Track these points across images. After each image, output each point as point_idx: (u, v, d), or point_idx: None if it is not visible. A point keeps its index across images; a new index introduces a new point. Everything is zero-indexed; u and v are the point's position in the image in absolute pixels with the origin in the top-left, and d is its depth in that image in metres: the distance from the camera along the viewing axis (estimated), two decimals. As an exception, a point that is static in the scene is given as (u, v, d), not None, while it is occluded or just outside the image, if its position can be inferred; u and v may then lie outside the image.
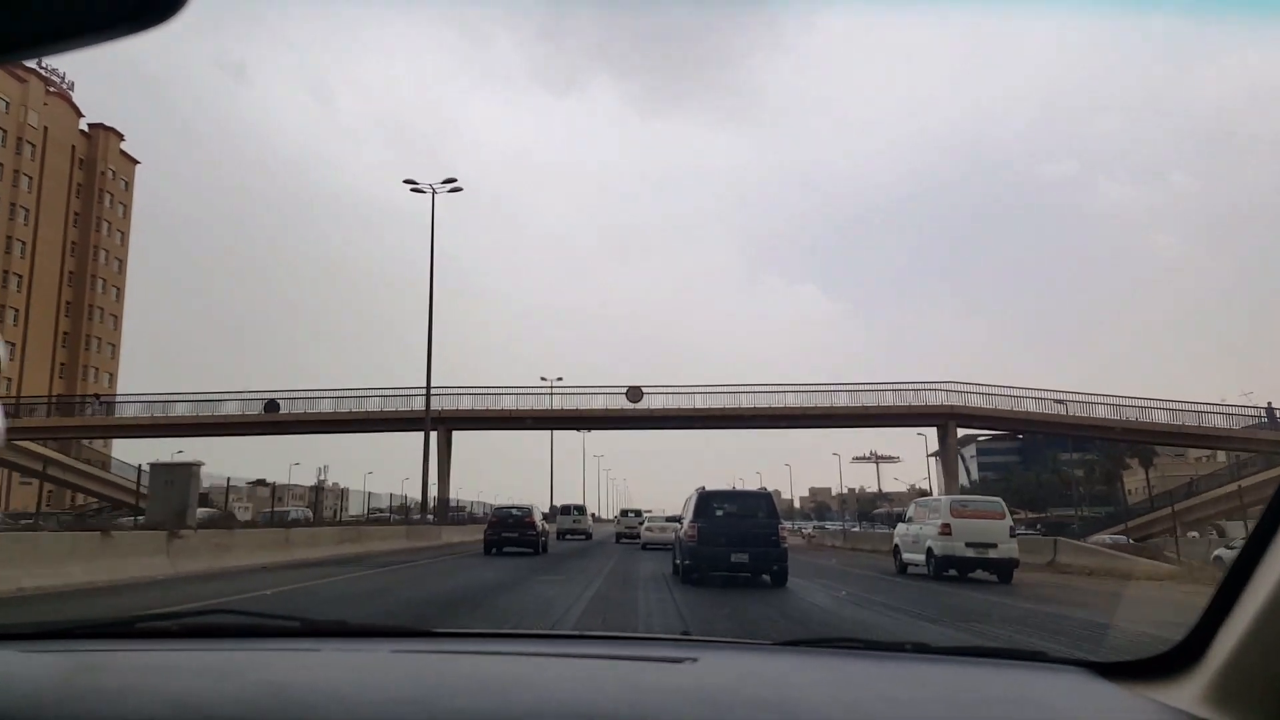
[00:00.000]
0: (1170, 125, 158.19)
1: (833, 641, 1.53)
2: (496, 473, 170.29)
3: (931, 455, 62.63)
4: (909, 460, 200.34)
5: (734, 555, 14.33)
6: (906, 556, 19.07)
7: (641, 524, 34.39)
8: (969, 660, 1.40)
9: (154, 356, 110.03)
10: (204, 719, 0.92)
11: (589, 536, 37.94)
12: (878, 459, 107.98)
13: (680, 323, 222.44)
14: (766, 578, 14.65)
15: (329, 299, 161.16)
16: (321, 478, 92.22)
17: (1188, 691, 1.01)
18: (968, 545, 17.25)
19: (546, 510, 37.35)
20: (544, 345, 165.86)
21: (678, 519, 17.75)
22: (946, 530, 17.43)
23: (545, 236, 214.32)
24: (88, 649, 1.40)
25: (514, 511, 25.80)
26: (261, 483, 40.01)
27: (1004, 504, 18.94)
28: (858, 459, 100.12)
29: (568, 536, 36.49)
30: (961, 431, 50.05)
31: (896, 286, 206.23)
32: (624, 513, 43.66)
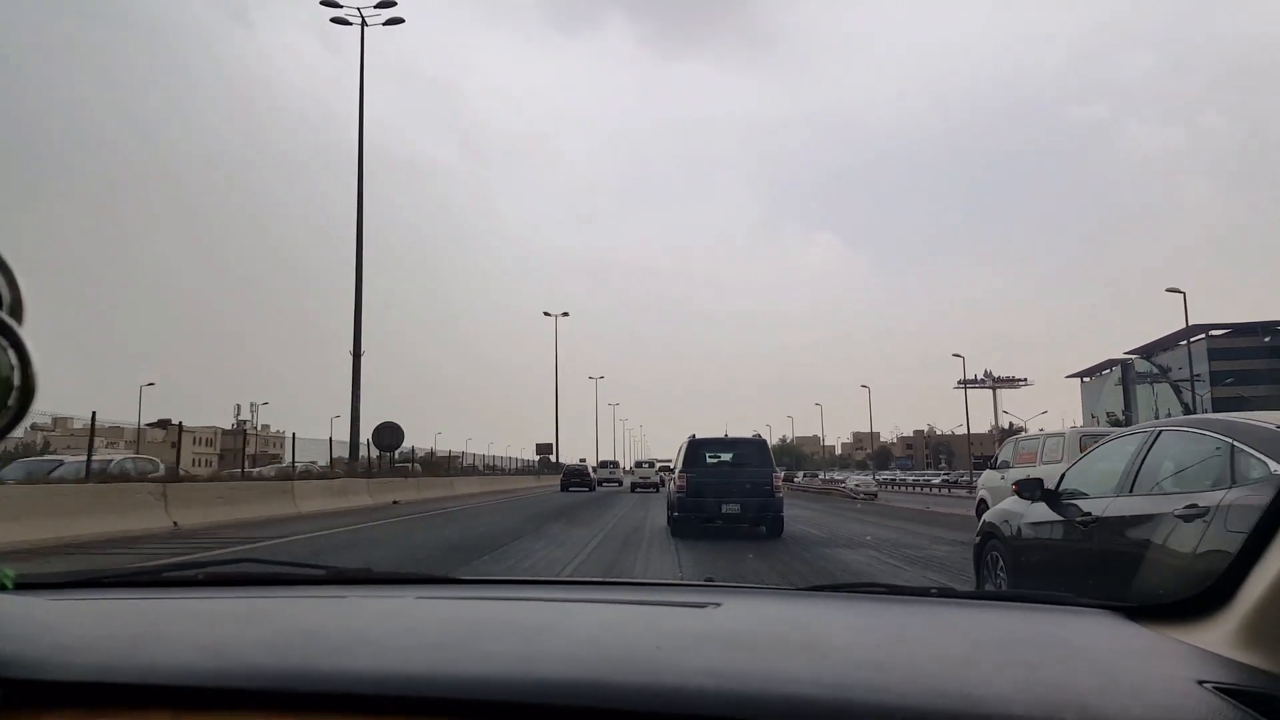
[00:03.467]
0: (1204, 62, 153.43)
1: (858, 586, 1.52)
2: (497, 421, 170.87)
3: (1080, 376, 48.25)
4: (1043, 385, 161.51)
5: (725, 505, 13.84)
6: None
7: (652, 472, 43.58)
8: (996, 605, 1.46)
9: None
10: (235, 663, 0.90)
11: (621, 483, 50.73)
12: (995, 382, 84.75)
13: (694, 271, 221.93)
14: (762, 528, 14.13)
15: (345, 250, 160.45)
16: (242, 417, 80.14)
17: (1216, 633, 1.02)
18: None
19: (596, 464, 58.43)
20: (553, 288, 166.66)
21: (649, 464, 16.96)
22: None
23: (558, 181, 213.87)
24: (115, 597, 1.40)
25: (578, 465, 48.55)
26: (164, 423, 31.15)
27: None
28: (966, 384, 76.38)
29: (604, 484, 49.44)
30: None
31: (919, 234, 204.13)
32: (638, 464, 53.37)
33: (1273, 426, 4.02)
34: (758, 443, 15.61)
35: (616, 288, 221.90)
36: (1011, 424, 72.24)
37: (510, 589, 1.69)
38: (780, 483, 14.83)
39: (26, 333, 0.54)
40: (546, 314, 68.09)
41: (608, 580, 1.86)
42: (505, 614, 1.31)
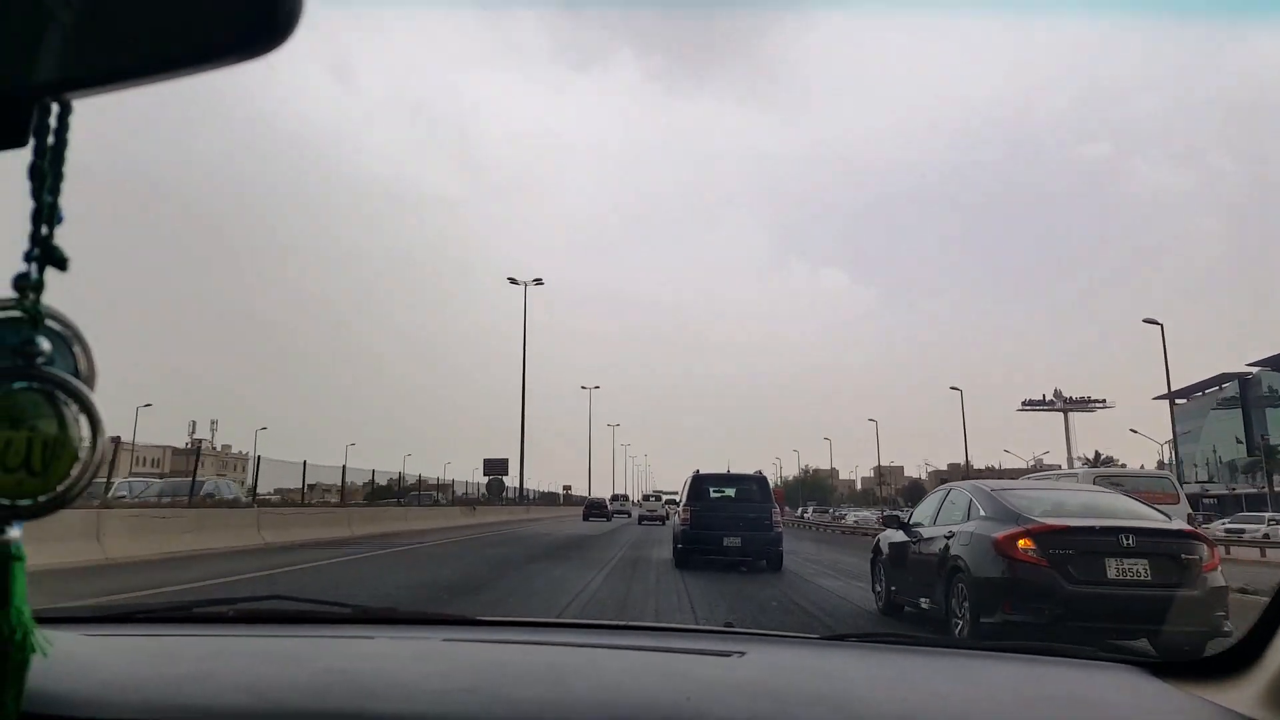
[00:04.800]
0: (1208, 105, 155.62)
1: (882, 636, 1.53)
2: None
3: (1171, 397, 36.83)
4: (1127, 406, 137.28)
5: (727, 539, 14.29)
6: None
7: (660, 505, 47.90)
8: (1021, 658, 1.38)
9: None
10: (274, 704, 0.93)
11: (630, 515, 56.21)
12: (1066, 404, 70.12)
13: (704, 305, 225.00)
14: (764, 562, 14.43)
15: (352, 282, 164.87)
16: (197, 436, 73.15)
17: (1245, 693, 0.99)
18: None
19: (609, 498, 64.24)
20: (567, 325, 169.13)
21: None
22: None
23: (568, 217, 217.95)
24: (147, 634, 1.42)
25: (597, 499, 57.34)
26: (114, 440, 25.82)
27: (1176, 481, 13.82)
28: (1032, 404, 67.48)
29: (616, 515, 55.20)
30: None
31: (927, 271, 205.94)
32: (645, 497, 57.98)
33: (987, 489, 7.61)
34: (759, 479, 16.22)
35: (624, 319, 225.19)
36: (1098, 454, 61.99)
37: (535, 631, 1.69)
38: (779, 519, 15.39)
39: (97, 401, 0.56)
40: (512, 280, 51.95)
41: (632, 625, 1.86)
42: (532, 658, 1.33)
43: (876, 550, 9.66)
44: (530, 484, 61.46)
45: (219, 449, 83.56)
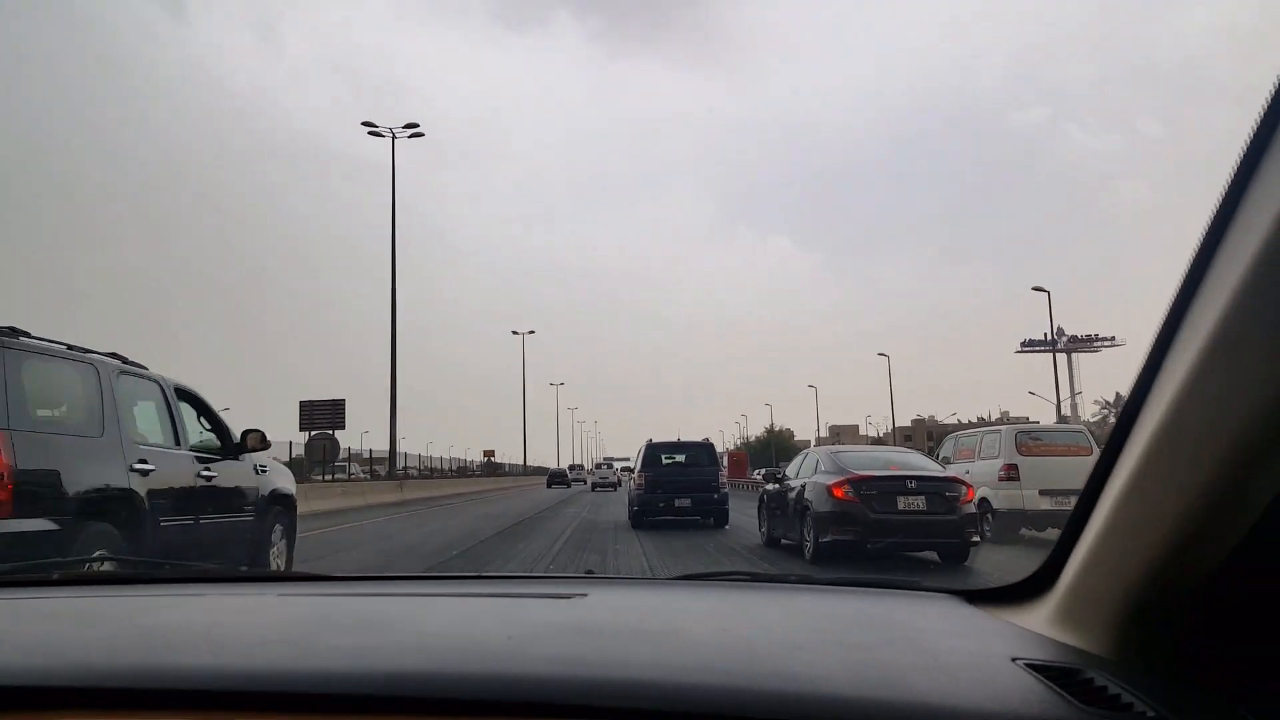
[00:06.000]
0: (1139, 72, 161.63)
1: (722, 575, 1.61)
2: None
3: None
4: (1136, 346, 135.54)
5: (678, 500, 15.82)
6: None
7: (611, 473, 52.87)
8: (849, 590, 1.48)
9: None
10: (61, 662, 0.90)
11: (585, 482, 60.62)
12: (1071, 343, 62.78)
13: (652, 272, 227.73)
14: (711, 520, 15.99)
15: (280, 252, 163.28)
16: None
17: (1039, 614, 1.10)
18: (1042, 495, 12.22)
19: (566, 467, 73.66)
20: (511, 295, 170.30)
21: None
22: (1011, 473, 12.57)
23: (511, 183, 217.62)
24: None
25: (559, 469, 66.46)
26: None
27: (1090, 436, 13.96)
28: (1032, 345, 62.84)
29: (572, 482, 62.01)
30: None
31: (870, 237, 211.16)
32: (598, 465, 63.64)
33: (828, 452, 11.08)
34: (707, 446, 17.93)
35: (570, 287, 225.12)
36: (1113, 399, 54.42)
37: (373, 584, 1.67)
38: (725, 481, 16.90)
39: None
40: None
41: (476, 575, 1.89)
42: (363, 609, 1.32)
43: (761, 499, 12.94)
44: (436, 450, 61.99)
45: None
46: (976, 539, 9.98)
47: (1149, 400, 0.83)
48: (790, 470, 11.92)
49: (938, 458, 14.67)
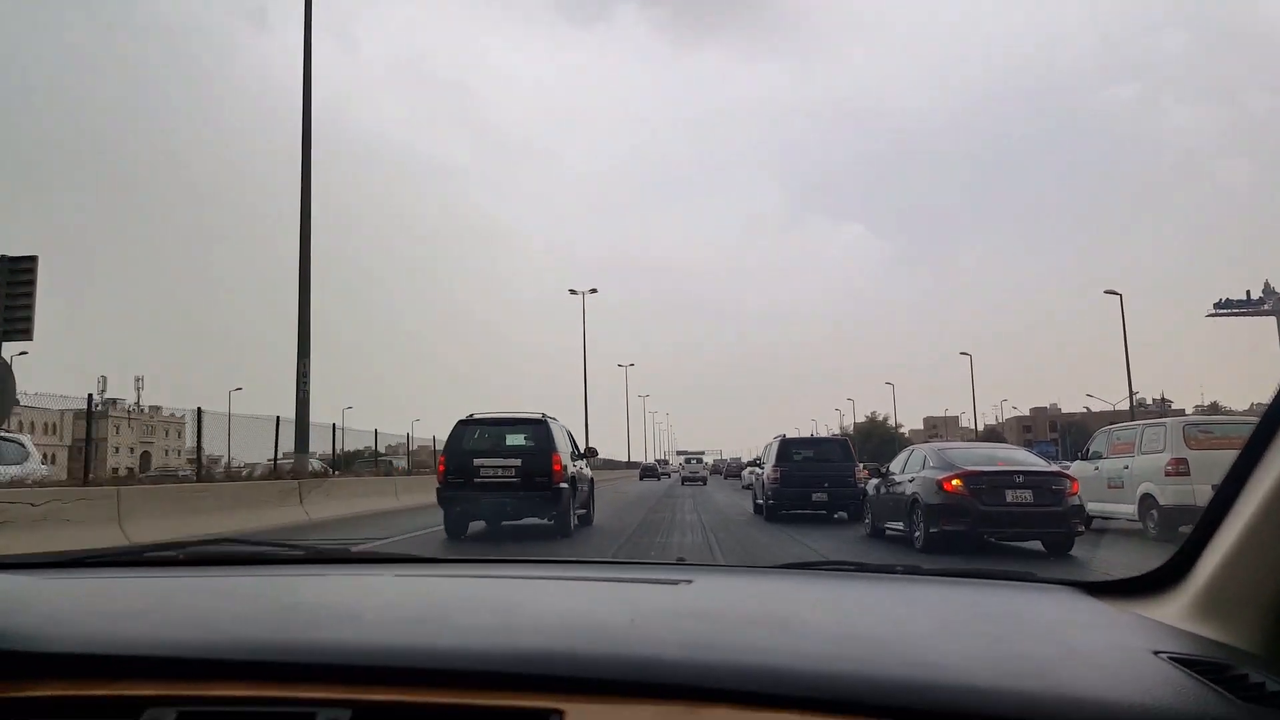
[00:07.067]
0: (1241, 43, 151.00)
1: (825, 565, 1.60)
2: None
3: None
4: None
5: (814, 495, 16.15)
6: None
7: (701, 467, 55.98)
8: (960, 581, 1.44)
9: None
10: (217, 636, 0.94)
11: (670, 476, 64.78)
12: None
13: (719, 265, 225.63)
14: (843, 514, 16.21)
15: (360, 248, 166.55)
16: (111, 395, 57.60)
17: (1172, 607, 1.06)
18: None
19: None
20: (571, 280, 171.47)
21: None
22: (1180, 468, 11.89)
23: (576, 178, 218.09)
24: (98, 577, 1.43)
25: (649, 463, 70.54)
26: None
27: None
28: (1230, 307, 51.69)
29: (660, 476, 64.39)
30: None
31: (949, 222, 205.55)
32: (687, 460, 65.29)
33: (935, 449, 11.87)
34: (841, 441, 18.56)
35: (634, 282, 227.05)
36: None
37: (488, 567, 1.71)
38: (862, 475, 16.83)
39: None
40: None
41: (582, 560, 1.95)
42: (482, 590, 1.36)
43: (863, 494, 13.74)
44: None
45: (145, 410, 64.80)
46: (1081, 529, 10.65)
47: None
48: (895, 466, 12.76)
49: (1087, 454, 14.55)
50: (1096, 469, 13.82)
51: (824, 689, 0.79)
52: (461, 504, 12.45)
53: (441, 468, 12.74)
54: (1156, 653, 0.91)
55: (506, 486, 12.30)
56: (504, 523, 13.10)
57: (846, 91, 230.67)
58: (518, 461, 12.44)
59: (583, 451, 15.14)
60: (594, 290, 56.22)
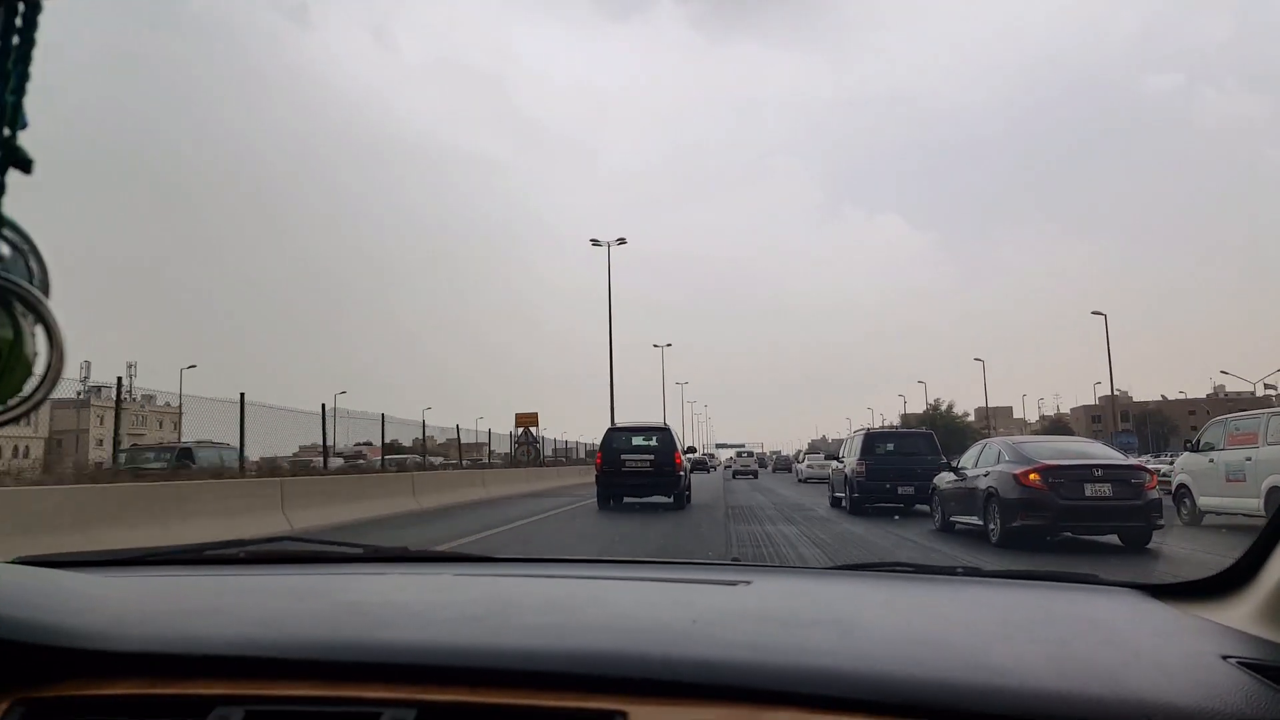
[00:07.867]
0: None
1: (885, 566, 1.57)
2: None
3: None
4: None
5: (900, 488, 16.04)
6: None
7: (752, 460, 54.28)
8: (1022, 583, 1.41)
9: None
10: (285, 635, 0.95)
11: (714, 469, 65.10)
12: None
13: (757, 257, 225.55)
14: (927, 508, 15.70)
15: (400, 242, 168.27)
16: (96, 383, 55.71)
17: (1239, 611, 1.03)
18: None
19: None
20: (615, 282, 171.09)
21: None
22: None
23: (613, 172, 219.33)
24: (162, 575, 1.43)
25: (700, 456, 55.75)
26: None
27: None
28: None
29: (709, 469, 63.55)
30: None
31: (988, 213, 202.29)
32: (738, 454, 61.46)
33: (1011, 443, 11.82)
34: (926, 434, 18.29)
35: (670, 275, 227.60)
36: None
37: (547, 567, 1.70)
38: None
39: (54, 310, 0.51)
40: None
41: (640, 560, 1.92)
42: (544, 590, 1.35)
43: (933, 488, 13.81)
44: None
45: (137, 399, 61.07)
46: (1161, 523, 10.63)
47: None
48: (967, 460, 12.78)
49: (1198, 445, 13.71)
50: (1211, 461, 12.95)
51: (889, 692, 0.78)
52: (613, 486, 18.39)
53: (599, 460, 18.76)
54: (1225, 657, 0.89)
55: (643, 474, 18.23)
56: (635, 500, 18.41)
57: (882, 82, 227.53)
58: (651, 456, 18.30)
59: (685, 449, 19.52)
60: (622, 240, 45.68)
